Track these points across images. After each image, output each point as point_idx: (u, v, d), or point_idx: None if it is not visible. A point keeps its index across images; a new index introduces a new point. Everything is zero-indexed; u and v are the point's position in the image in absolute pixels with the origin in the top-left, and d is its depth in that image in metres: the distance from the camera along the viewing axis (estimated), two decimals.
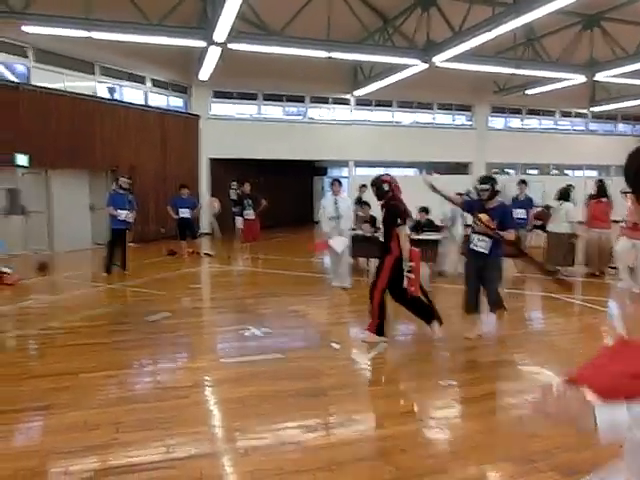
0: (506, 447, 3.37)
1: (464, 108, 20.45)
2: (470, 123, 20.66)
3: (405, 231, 5.31)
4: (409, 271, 5.19)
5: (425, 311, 5.44)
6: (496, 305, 5.34)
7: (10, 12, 10.23)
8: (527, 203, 10.13)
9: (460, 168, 20.41)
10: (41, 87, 12.12)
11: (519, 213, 10.04)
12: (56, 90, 12.53)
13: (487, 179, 5.43)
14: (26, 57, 12.12)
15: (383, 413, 3.95)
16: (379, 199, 5.54)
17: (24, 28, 10.48)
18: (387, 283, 5.31)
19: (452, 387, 4.34)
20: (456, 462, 3.20)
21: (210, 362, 4.95)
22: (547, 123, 21.87)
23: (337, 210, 8.15)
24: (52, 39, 11.39)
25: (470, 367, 4.79)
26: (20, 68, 12.23)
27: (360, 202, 10.85)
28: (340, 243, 8.14)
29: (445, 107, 20.22)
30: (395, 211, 5.35)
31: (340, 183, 8.45)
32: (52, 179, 12.57)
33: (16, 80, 11.96)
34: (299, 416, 3.76)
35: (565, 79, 15.66)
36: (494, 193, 5.29)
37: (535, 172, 21.62)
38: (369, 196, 9.13)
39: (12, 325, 6.34)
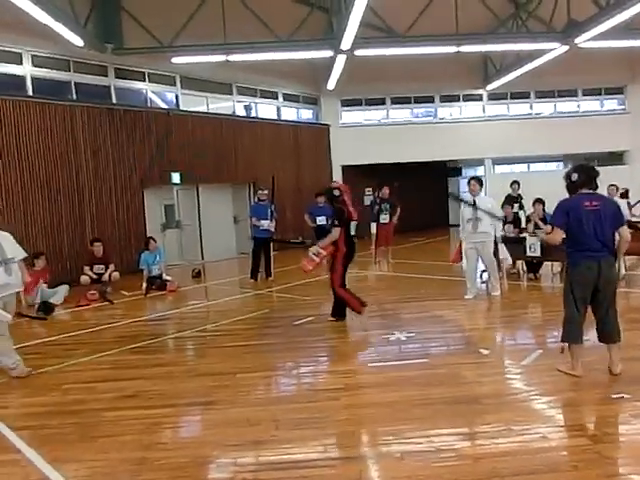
0: None
1: (615, 91, 18.48)
2: (623, 107, 18.62)
3: (336, 233, 6.22)
4: (314, 254, 6.25)
5: (340, 308, 6.49)
6: None
7: (162, 47, 11.43)
8: None
9: (615, 158, 18.44)
10: (188, 111, 13.36)
11: None
12: (200, 112, 13.72)
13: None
14: (174, 85, 13.44)
15: (545, 424, 3.62)
16: (331, 204, 6.56)
17: (173, 60, 11.65)
18: (342, 275, 6.32)
19: (626, 400, 3.86)
20: None
21: (357, 366, 5.02)
22: None
23: (475, 212, 7.47)
24: (195, 66, 12.52)
25: None
26: (170, 95, 13.60)
27: (509, 200, 10.27)
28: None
29: (592, 92, 18.46)
30: (339, 214, 6.30)
31: (479, 181, 7.74)
32: (201, 194, 13.73)
33: (166, 106, 13.32)
34: (453, 423, 3.64)
35: None
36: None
37: None
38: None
39: (175, 328, 7.02)
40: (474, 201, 7.41)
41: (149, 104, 12.93)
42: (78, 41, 9.89)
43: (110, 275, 9.30)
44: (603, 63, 15.88)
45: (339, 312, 6.57)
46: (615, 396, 3.94)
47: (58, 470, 3.20)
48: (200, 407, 4.16)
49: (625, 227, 4.31)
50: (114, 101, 12.01)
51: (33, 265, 8.47)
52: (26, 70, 10.67)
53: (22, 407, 4.39)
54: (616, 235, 4.27)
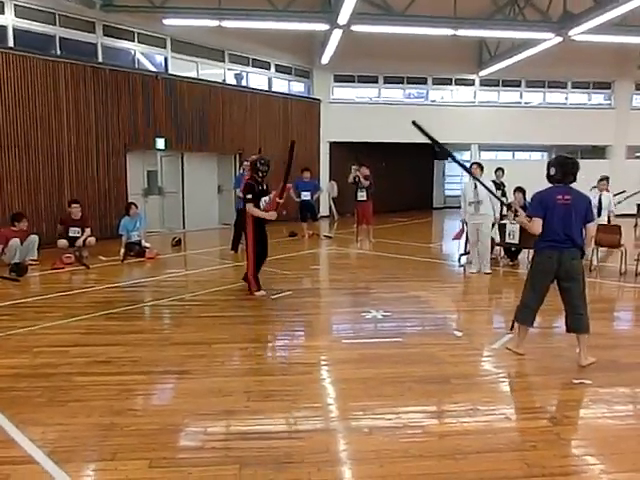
0: None
1: (603, 86, 18.60)
2: (609, 102, 18.76)
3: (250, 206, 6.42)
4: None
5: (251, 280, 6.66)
6: None
7: (153, 7, 11.12)
8: None
9: (597, 152, 18.68)
10: (177, 75, 13.07)
11: None
12: (190, 78, 13.43)
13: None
14: (164, 48, 13.10)
15: (510, 406, 3.78)
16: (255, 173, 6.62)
17: (165, 21, 11.34)
18: (254, 264, 6.55)
19: (587, 386, 4.02)
20: (592, 466, 2.99)
21: (332, 342, 5.06)
22: None
23: (477, 195, 7.96)
24: (187, 30, 12.21)
25: (606, 367, 4.37)
26: (158, 58, 13.26)
27: (494, 187, 10.39)
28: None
29: (581, 85, 18.54)
30: (248, 189, 6.47)
31: (480, 166, 7.99)
32: (186, 162, 13.55)
33: (155, 70, 12.99)
34: (422, 401, 3.72)
35: None
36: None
37: None
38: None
39: (152, 296, 6.98)
40: (475, 184, 7.68)
41: (137, 65, 12.62)
42: None
43: (85, 240, 9.05)
44: (593, 57, 15.96)
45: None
46: (576, 381, 4.09)
47: (24, 432, 3.18)
48: (173, 376, 4.16)
49: (593, 224, 4.43)
50: (100, 60, 11.68)
51: (13, 226, 8.34)
52: (8, 20, 10.30)
53: None
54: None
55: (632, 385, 4.09)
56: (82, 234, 9.07)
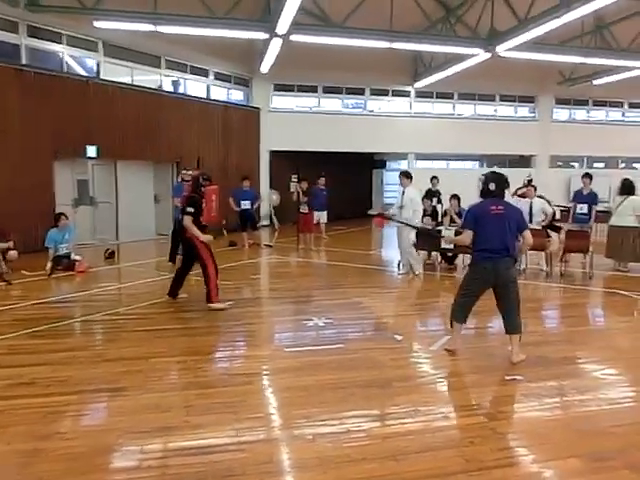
0: (577, 443, 3.26)
1: (527, 99, 19.69)
2: (533, 115, 19.89)
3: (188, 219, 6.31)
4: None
5: (175, 285, 6.79)
6: None
7: (83, 8, 10.67)
8: (591, 198, 9.65)
9: (523, 161, 19.73)
10: (109, 81, 12.60)
11: (582, 208, 9.64)
12: (123, 84, 12.99)
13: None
14: (96, 51, 12.60)
15: (449, 405, 3.91)
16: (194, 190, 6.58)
17: (96, 24, 10.91)
18: (211, 258, 6.44)
19: (518, 382, 4.23)
20: (525, 456, 3.16)
21: (274, 350, 5.01)
22: (615, 115, 20.75)
23: (401, 200, 8.45)
24: (121, 33, 11.79)
25: (536, 363, 4.61)
26: (90, 62, 12.74)
27: (429, 194, 10.88)
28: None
29: (507, 98, 19.53)
30: (191, 201, 6.39)
31: (406, 175, 8.64)
32: (119, 170, 13.06)
33: (86, 74, 12.48)
34: (364, 406, 3.74)
35: (636, 68, 14.74)
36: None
37: (601, 166, 20.56)
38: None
39: (83, 311, 6.59)
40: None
41: (66, 69, 12.06)
42: None
43: (3, 253, 8.37)
44: (519, 73, 16.86)
45: (173, 287, 6.85)
46: (509, 378, 4.31)
47: None
48: (107, 394, 3.96)
49: (528, 231, 4.74)
50: (24, 62, 11.06)
51: None
52: None
53: None
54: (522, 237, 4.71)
55: (559, 378, 4.33)
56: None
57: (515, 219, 4.60)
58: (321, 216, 13.15)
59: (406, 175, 8.63)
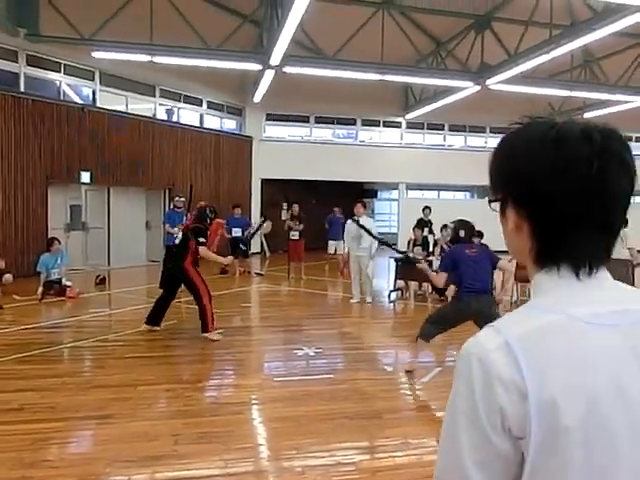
0: None
1: None
2: None
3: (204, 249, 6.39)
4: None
5: (155, 315, 6.61)
6: None
7: (81, 39, 10.88)
8: None
9: None
10: (104, 109, 12.76)
11: None
12: (118, 112, 13.15)
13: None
14: (92, 80, 12.80)
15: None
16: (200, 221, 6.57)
17: (94, 54, 11.11)
18: (206, 290, 6.42)
19: None
20: None
21: (264, 380, 4.98)
22: None
23: (358, 230, 8.29)
24: (117, 63, 12.01)
25: None
26: (86, 91, 12.92)
27: (420, 224, 10.87)
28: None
29: (498, 130, 19.93)
30: (199, 231, 6.40)
31: (364, 204, 9.08)
32: (112, 196, 13.10)
33: (81, 102, 12.63)
34: (355, 437, 3.72)
35: (626, 102, 15.17)
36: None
37: None
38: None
39: (73, 337, 6.55)
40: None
41: (62, 97, 12.21)
42: None
43: None
44: (508, 105, 17.15)
45: (153, 317, 6.67)
46: None
47: None
48: (95, 421, 3.92)
49: (504, 260, 5.02)
50: (22, 89, 11.21)
51: None
52: None
53: None
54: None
55: None
56: None
57: (487, 257, 4.98)
58: (337, 246, 11.97)
59: (364, 204, 9.02)
